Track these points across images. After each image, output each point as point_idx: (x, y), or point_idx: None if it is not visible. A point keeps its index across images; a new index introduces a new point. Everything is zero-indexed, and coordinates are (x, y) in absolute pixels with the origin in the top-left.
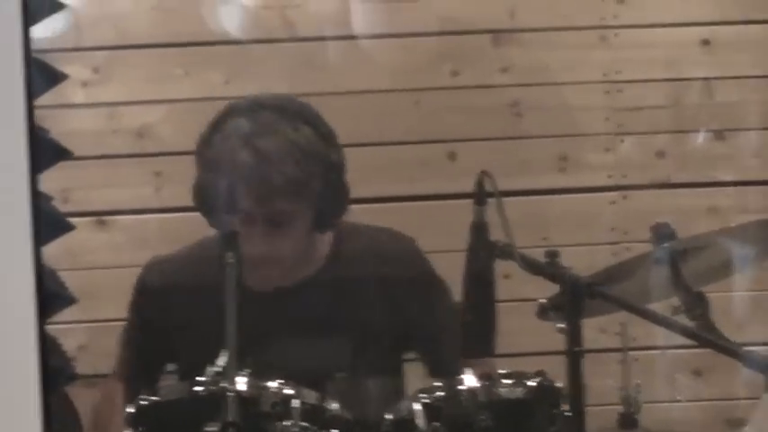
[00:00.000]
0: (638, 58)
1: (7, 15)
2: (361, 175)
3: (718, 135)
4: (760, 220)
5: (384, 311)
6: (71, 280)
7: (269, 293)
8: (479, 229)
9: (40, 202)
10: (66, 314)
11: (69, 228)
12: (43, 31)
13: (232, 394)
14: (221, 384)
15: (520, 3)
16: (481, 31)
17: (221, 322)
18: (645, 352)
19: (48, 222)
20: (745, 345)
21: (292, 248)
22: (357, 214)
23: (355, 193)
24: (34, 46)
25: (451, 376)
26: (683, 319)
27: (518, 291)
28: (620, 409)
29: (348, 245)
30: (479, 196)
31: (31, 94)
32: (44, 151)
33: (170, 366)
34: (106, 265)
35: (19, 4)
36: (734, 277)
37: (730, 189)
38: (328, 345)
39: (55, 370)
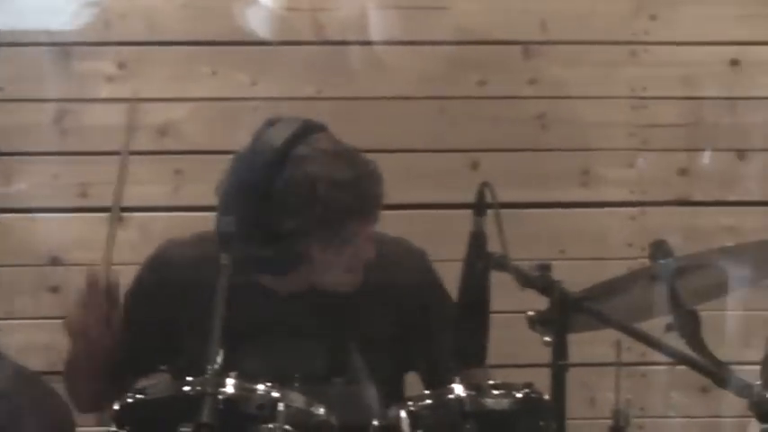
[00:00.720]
0: (667, 75)
1: None
2: (385, 181)
3: (741, 155)
4: (759, 241)
5: (389, 320)
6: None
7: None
8: (477, 239)
9: None
10: None
11: None
12: (70, 24)
13: (210, 396)
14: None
15: (552, 15)
16: (511, 42)
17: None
18: (653, 367)
19: None
20: (736, 364)
21: None
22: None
23: None
24: (61, 39)
25: (443, 384)
26: (676, 337)
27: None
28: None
29: None
30: (479, 207)
31: None
32: None
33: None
34: (122, 261)
35: None
36: (728, 297)
37: (750, 209)
38: (334, 348)
39: None
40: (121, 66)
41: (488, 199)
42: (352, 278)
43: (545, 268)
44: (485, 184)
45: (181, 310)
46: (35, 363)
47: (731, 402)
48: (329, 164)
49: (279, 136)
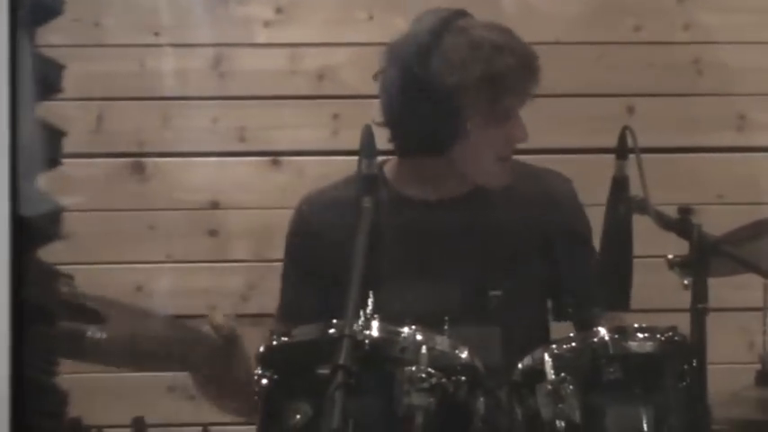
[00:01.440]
0: None
1: None
2: (539, 126)
3: None
4: None
5: (532, 246)
6: (245, 218)
7: (433, 203)
8: (620, 183)
9: None
10: (239, 253)
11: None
12: None
13: (348, 337)
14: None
15: None
16: None
17: (371, 262)
18: None
19: None
20: None
21: None
22: None
23: (529, 144)
24: None
25: (588, 327)
26: None
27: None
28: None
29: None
30: (621, 151)
31: None
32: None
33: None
34: (280, 206)
35: None
36: None
37: None
38: (483, 261)
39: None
40: (279, 11)
41: (630, 143)
42: (502, 170)
43: (686, 211)
44: (626, 128)
45: (331, 256)
46: (191, 306)
47: None
48: (491, 30)
49: (437, 14)
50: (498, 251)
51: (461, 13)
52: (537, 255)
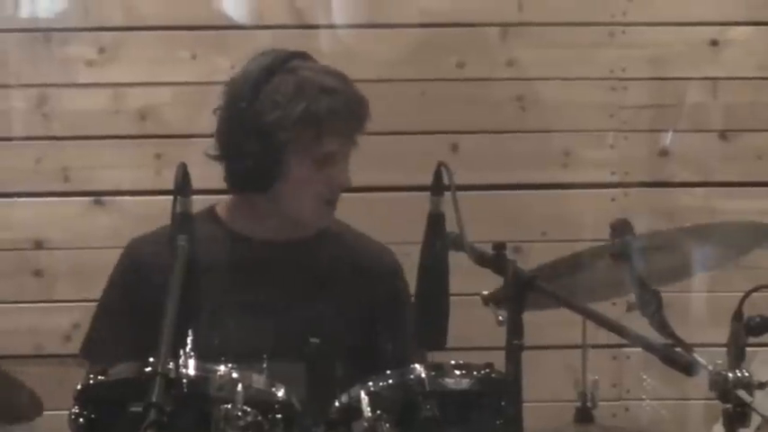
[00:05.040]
0: (645, 57)
1: None
2: (362, 163)
3: (722, 135)
4: (723, 222)
5: (354, 294)
6: (70, 258)
7: (263, 242)
8: (435, 219)
9: None
10: (64, 293)
11: None
12: (50, 10)
13: (160, 376)
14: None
15: None
16: (489, 24)
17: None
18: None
19: None
20: (700, 346)
21: None
22: (353, 203)
23: (353, 181)
24: (41, 25)
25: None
26: (638, 317)
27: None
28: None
29: (335, 227)
30: (436, 187)
31: None
32: None
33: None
34: (104, 245)
35: None
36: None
37: (731, 190)
38: (308, 306)
39: None
40: (101, 50)
41: (445, 179)
42: (327, 211)
43: (500, 247)
44: (441, 164)
45: (150, 295)
46: (18, 347)
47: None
48: (322, 73)
49: (275, 53)
50: (325, 299)
51: (299, 55)
52: (360, 310)
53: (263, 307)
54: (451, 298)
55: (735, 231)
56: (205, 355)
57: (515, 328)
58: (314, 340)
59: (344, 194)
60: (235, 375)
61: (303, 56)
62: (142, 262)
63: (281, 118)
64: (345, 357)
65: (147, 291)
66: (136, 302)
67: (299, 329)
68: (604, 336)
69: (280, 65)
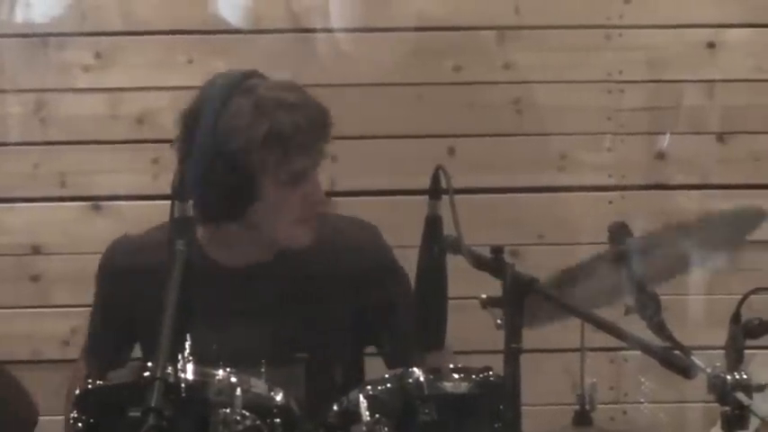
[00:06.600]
0: (642, 59)
1: None
2: (359, 167)
3: (719, 138)
4: (709, 213)
5: (343, 298)
6: (67, 263)
7: (241, 270)
8: (433, 223)
9: None
10: (61, 298)
11: None
12: (46, 15)
13: (159, 380)
14: (166, 371)
15: (525, 0)
16: (485, 28)
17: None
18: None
19: None
20: (697, 348)
21: None
22: (351, 206)
23: (350, 185)
24: (38, 30)
25: (405, 369)
26: (636, 320)
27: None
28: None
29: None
30: (434, 191)
31: None
32: None
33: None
34: (101, 250)
35: None
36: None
37: (729, 192)
38: (290, 326)
39: None
40: (98, 55)
41: (443, 183)
42: (304, 231)
43: (498, 251)
44: (439, 168)
45: (137, 299)
46: (15, 352)
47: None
48: (279, 89)
49: (227, 77)
50: (308, 312)
51: (251, 74)
52: (349, 310)
53: (250, 327)
54: (449, 301)
55: (726, 219)
56: (201, 361)
57: (514, 332)
58: (301, 355)
59: (342, 198)
60: (233, 380)
61: (255, 74)
62: (116, 264)
63: (244, 142)
64: (341, 363)
65: (129, 294)
66: (112, 305)
67: (285, 349)
68: (602, 339)
69: (234, 88)
